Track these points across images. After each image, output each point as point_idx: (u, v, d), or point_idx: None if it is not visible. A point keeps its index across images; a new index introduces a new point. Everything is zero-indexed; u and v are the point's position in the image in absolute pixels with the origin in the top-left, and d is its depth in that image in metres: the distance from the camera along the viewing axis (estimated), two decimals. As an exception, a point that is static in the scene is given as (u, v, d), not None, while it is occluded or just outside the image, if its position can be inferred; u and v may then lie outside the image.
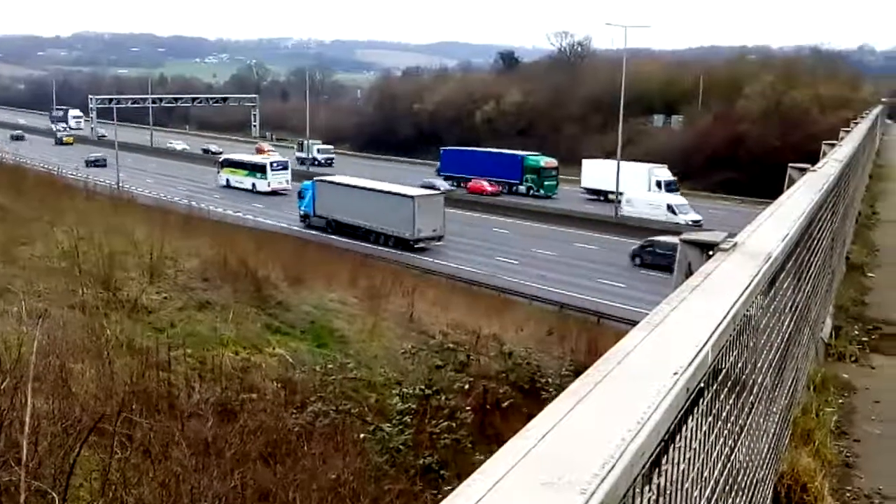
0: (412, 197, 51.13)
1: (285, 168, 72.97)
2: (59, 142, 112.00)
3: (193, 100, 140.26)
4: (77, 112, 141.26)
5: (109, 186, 51.04)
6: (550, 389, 15.60)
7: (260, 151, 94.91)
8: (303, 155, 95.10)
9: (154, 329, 15.51)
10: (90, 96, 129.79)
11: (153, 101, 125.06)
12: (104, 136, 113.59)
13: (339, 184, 56.85)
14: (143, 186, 62.17)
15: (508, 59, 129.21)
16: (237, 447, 9.34)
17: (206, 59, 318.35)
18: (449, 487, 11.82)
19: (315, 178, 60.04)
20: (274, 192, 67.86)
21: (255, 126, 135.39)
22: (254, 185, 70.77)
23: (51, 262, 18.30)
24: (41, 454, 6.89)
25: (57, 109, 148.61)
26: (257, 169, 72.59)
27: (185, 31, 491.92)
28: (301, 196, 58.71)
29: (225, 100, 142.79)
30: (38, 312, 12.81)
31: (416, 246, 49.29)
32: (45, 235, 20.92)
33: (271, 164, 72.89)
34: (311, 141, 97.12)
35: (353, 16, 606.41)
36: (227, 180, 73.16)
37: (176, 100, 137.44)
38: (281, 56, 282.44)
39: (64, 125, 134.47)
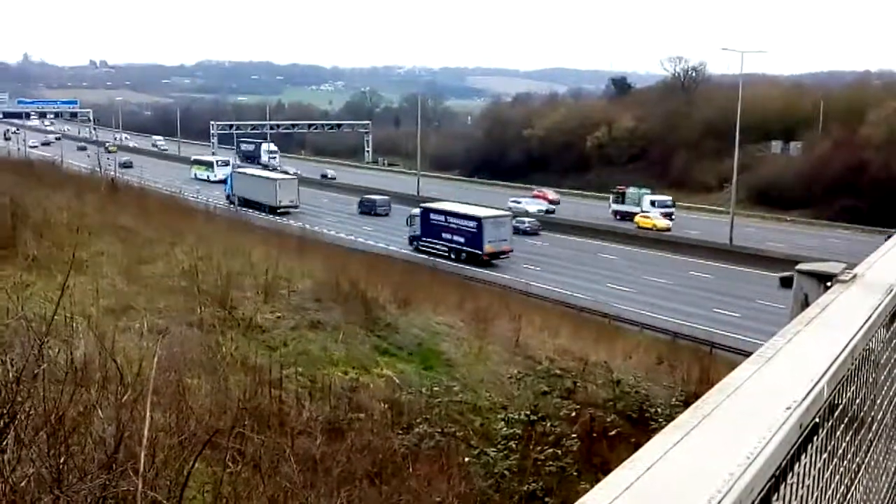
0: (275, 179, 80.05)
1: (227, 164, 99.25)
2: (107, 150, 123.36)
3: (309, 126, 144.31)
4: (272, 146, 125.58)
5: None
6: (660, 419, 15.27)
7: (539, 197, 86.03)
8: (626, 208, 76.33)
9: (267, 347, 15.90)
10: (211, 122, 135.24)
11: (271, 127, 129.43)
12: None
13: (243, 173, 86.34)
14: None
15: (621, 85, 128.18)
16: (344, 465, 9.46)
17: (322, 87, 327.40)
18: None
19: (233, 170, 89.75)
20: (220, 181, 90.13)
21: (367, 151, 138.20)
22: (208, 176, 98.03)
23: (171, 280, 19.01)
24: (158, 465, 7.11)
25: (246, 141, 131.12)
26: (209, 165, 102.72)
27: (302, 59, 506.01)
28: (225, 182, 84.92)
29: (339, 126, 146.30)
30: (159, 329, 13.34)
31: (278, 211, 73.08)
32: (167, 255, 21.80)
33: (216, 161, 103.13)
34: (641, 190, 77.99)
35: (463, 43, 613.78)
36: (195, 174, 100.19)
37: (293, 126, 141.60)
38: (393, 83, 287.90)
39: (257, 162, 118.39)
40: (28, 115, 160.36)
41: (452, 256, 55.35)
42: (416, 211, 60.68)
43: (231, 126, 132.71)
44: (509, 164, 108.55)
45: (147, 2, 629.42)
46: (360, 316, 20.68)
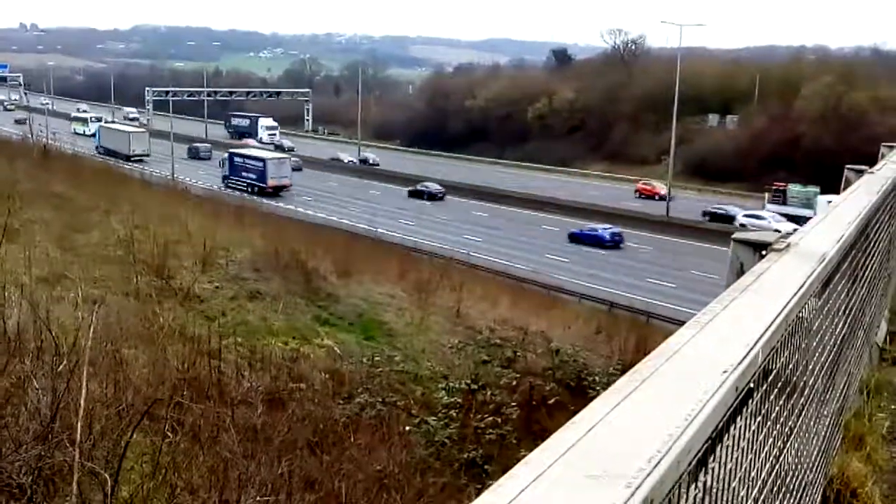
0: (128, 132, 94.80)
1: (99, 120, 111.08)
2: (5, 109, 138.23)
3: (248, 93, 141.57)
4: (270, 122, 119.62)
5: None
6: (597, 388, 15.51)
7: (647, 192, 71.11)
8: (791, 211, 55.74)
9: (206, 318, 15.74)
10: (146, 88, 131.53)
11: (208, 94, 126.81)
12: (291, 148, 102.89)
13: (107, 128, 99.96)
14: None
15: (561, 57, 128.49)
16: (285, 435, 9.44)
17: (261, 54, 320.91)
18: (493, 482, 11.83)
19: (100, 125, 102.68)
20: (93, 135, 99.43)
21: (307, 120, 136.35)
22: (84, 131, 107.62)
23: (107, 250, 18.66)
24: (95, 436, 7.03)
25: (239, 116, 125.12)
26: (85, 121, 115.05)
27: (241, 25, 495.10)
28: (95, 136, 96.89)
29: (278, 94, 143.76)
30: (94, 299, 13.10)
31: (131, 159, 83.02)
32: (102, 224, 21.36)
33: (90, 118, 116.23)
34: (808, 188, 58.73)
35: (405, 12, 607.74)
36: (74, 129, 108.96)
37: (231, 93, 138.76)
38: (334, 51, 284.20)
39: (252, 138, 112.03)
40: None
41: (249, 190, 68.22)
42: (226, 155, 76.37)
43: (167, 92, 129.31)
44: (451, 135, 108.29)
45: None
46: (300, 286, 20.57)
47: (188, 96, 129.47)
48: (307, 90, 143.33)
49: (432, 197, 68.18)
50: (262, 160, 71.25)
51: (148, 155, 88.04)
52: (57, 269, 15.41)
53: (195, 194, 44.43)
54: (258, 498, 7.30)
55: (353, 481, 9.02)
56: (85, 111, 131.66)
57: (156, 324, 13.25)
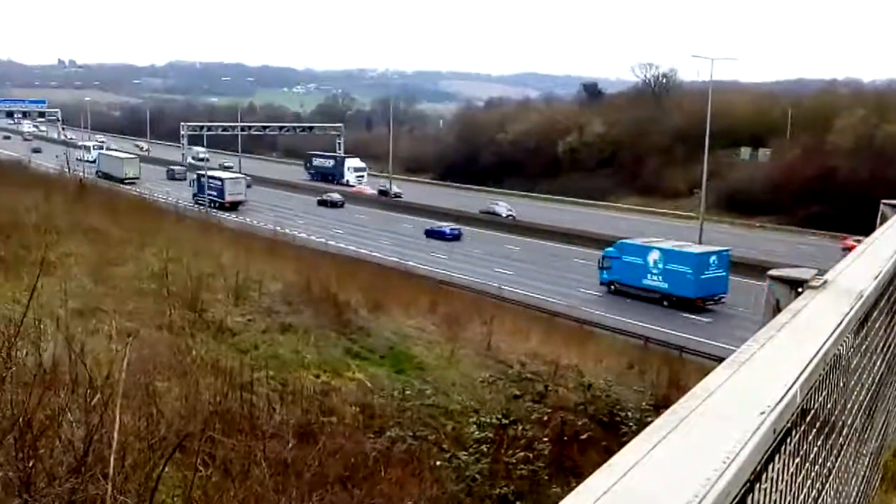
0: (122, 158, 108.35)
1: (101, 147, 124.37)
2: (25, 139, 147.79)
3: (281, 128, 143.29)
4: (357, 162, 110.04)
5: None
6: (630, 424, 15.35)
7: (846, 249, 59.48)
8: None
9: (238, 350, 15.81)
10: (182, 123, 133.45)
11: (242, 129, 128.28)
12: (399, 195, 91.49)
13: (104, 154, 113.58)
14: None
15: (592, 91, 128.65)
16: (316, 469, 9.42)
17: (295, 89, 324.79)
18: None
19: (99, 152, 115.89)
20: (93, 161, 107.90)
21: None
22: (87, 157, 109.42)
23: (141, 283, 18.85)
24: (127, 469, 7.05)
25: (321, 157, 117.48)
26: (88, 149, 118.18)
27: (274, 61, 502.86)
28: (94, 163, 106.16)
29: (311, 128, 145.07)
30: (128, 332, 13.21)
31: (125, 182, 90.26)
32: (136, 257, 21.60)
33: (92, 146, 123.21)
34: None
35: (437, 47, 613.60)
36: (79, 157, 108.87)
37: (264, 128, 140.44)
38: (365, 86, 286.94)
39: (337, 182, 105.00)
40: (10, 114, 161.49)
41: (212, 205, 76.93)
42: (194, 176, 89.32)
43: (202, 127, 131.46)
44: (481, 168, 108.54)
45: (117, 1, 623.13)
46: (331, 319, 20.62)
47: (222, 131, 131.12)
48: (339, 124, 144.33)
49: (333, 205, 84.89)
50: (221, 180, 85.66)
51: (138, 178, 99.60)
52: (92, 302, 15.59)
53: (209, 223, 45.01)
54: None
55: (384, 517, 8.97)
56: (87, 140, 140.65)
57: (188, 357, 13.33)
